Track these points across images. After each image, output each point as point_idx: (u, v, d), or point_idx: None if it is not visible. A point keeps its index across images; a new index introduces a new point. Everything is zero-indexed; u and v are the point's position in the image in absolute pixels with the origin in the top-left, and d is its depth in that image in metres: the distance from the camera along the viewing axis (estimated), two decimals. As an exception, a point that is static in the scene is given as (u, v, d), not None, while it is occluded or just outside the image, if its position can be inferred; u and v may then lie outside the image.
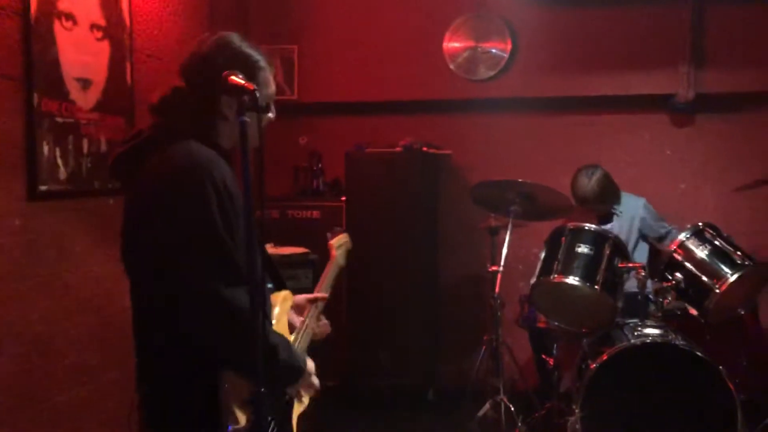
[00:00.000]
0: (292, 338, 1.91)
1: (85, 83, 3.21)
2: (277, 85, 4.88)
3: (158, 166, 1.69)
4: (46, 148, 2.97)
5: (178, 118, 1.77)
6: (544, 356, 3.93)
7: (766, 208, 4.15)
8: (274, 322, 1.84)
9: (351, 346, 4.55)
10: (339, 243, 2.41)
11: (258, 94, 1.53)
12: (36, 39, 2.89)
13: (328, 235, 2.42)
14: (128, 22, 3.49)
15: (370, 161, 4.59)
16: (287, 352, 1.72)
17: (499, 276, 3.66)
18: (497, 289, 3.66)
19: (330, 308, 4.44)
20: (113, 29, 3.38)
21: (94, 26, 3.26)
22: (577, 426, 3.12)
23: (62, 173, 3.06)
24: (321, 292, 2.18)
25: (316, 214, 4.58)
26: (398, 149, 4.56)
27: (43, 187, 2.96)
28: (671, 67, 4.46)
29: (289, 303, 1.98)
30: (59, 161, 3.05)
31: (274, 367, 1.66)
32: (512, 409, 3.63)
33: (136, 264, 1.74)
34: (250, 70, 1.76)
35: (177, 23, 3.99)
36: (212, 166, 1.67)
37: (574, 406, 3.17)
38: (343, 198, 4.62)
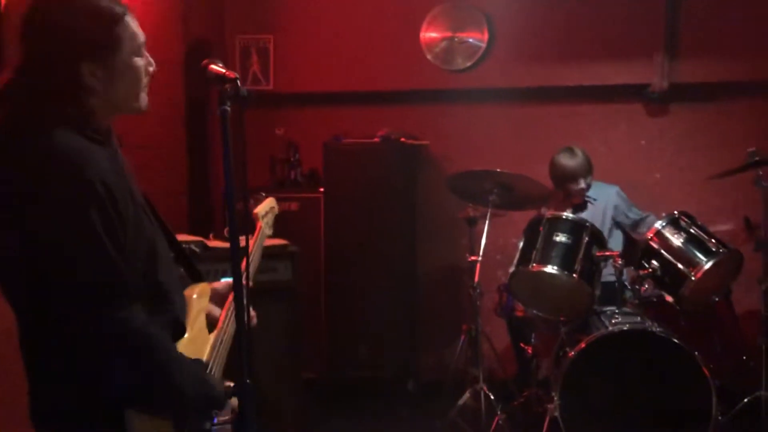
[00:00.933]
0: (212, 338, 1.66)
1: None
2: (253, 75, 4.95)
3: (17, 171, 1.39)
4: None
5: (28, 105, 1.44)
6: (522, 345, 3.96)
7: (738, 196, 4.20)
8: (187, 327, 1.60)
9: (329, 339, 4.54)
10: (264, 210, 2.13)
11: (239, 81, 1.42)
12: (7, 28, 2.84)
13: (251, 202, 2.09)
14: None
15: (348, 152, 4.57)
16: (197, 385, 1.46)
17: (477, 266, 3.68)
18: (476, 279, 3.68)
19: (308, 301, 4.46)
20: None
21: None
22: (556, 413, 3.16)
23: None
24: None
25: (294, 205, 4.55)
26: (376, 140, 4.54)
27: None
28: (646, 57, 4.50)
29: (206, 299, 1.72)
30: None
31: (182, 408, 1.45)
32: (492, 397, 3.65)
33: (9, 287, 1.46)
34: (108, 25, 1.48)
35: (150, 13, 3.93)
36: (85, 166, 1.39)
37: (552, 394, 3.21)
38: (321, 189, 4.60)
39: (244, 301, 1.37)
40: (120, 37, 1.49)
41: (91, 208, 1.37)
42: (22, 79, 1.46)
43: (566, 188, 3.99)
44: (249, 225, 1.56)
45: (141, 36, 1.55)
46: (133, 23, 1.53)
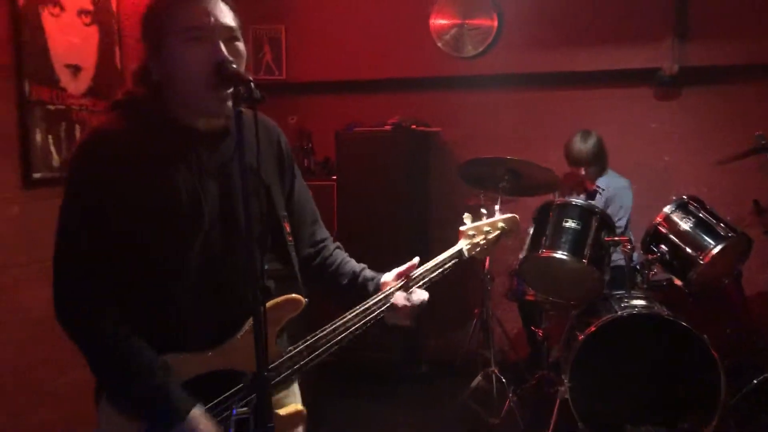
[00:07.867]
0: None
1: (75, 69, 3.22)
2: (266, 66, 5.00)
3: None
4: (38, 136, 2.99)
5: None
6: (533, 328, 4.02)
7: (747, 179, 4.21)
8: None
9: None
10: (475, 230, 2.01)
11: (253, 86, 1.33)
12: (24, 27, 2.90)
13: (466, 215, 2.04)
14: (115, 6, 3.49)
15: (360, 140, 4.62)
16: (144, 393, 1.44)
17: (488, 251, 3.72)
18: (487, 265, 3.74)
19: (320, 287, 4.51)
20: (101, 14, 3.38)
21: (81, 12, 3.26)
22: (567, 395, 3.21)
23: (55, 160, 3.09)
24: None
25: (307, 193, 4.61)
26: (387, 128, 4.59)
27: (37, 175, 2.99)
28: (656, 41, 4.49)
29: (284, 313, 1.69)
30: (52, 148, 3.08)
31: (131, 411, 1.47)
32: (503, 380, 3.72)
33: None
34: (157, 36, 1.45)
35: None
36: (95, 150, 1.45)
37: (563, 376, 3.27)
38: (334, 177, 4.66)
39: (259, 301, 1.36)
40: (162, 47, 1.42)
41: (77, 198, 1.45)
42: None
43: (572, 170, 4.13)
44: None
45: (195, 18, 1.40)
46: (190, 5, 1.41)
